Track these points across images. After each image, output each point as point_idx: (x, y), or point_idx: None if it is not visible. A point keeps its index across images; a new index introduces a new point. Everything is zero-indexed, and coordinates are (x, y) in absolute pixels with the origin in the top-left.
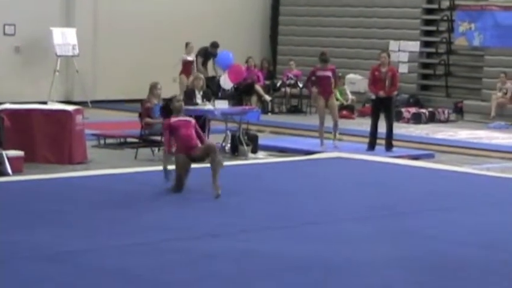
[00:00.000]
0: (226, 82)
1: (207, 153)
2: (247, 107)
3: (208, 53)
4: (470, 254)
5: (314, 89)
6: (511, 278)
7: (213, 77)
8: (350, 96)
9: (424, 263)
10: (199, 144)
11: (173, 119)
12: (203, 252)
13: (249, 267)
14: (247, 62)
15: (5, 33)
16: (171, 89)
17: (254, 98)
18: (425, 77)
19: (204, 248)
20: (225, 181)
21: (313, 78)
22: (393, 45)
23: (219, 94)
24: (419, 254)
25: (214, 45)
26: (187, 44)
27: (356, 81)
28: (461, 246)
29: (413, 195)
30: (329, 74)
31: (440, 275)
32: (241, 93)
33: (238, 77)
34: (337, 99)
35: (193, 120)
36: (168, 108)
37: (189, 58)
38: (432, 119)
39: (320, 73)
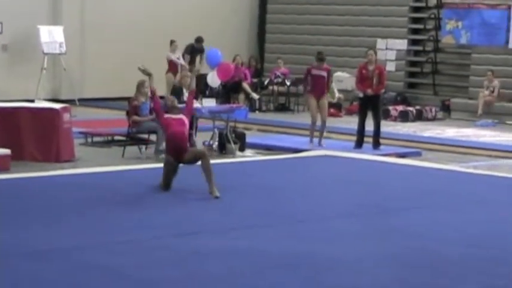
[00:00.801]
0: (213, 80)
1: (196, 159)
2: (234, 105)
3: (194, 49)
4: (456, 252)
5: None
6: (497, 275)
7: (201, 75)
8: (337, 94)
9: (411, 261)
10: (189, 146)
11: (166, 115)
12: (192, 250)
13: (238, 265)
14: (234, 59)
15: None
16: (158, 87)
17: (242, 96)
18: (412, 75)
19: (192, 246)
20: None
21: (308, 77)
22: (381, 43)
23: (207, 92)
24: (406, 252)
25: (199, 40)
26: (171, 42)
27: (343, 79)
28: (448, 244)
29: (401, 193)
30: (324, 74)
31: (427, 272)
32: (228, 91)
33: (226, 75)
34: None
35: (186, 120)
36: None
37: (173, 57)
38: (419, 117)
39: (315, 72)
